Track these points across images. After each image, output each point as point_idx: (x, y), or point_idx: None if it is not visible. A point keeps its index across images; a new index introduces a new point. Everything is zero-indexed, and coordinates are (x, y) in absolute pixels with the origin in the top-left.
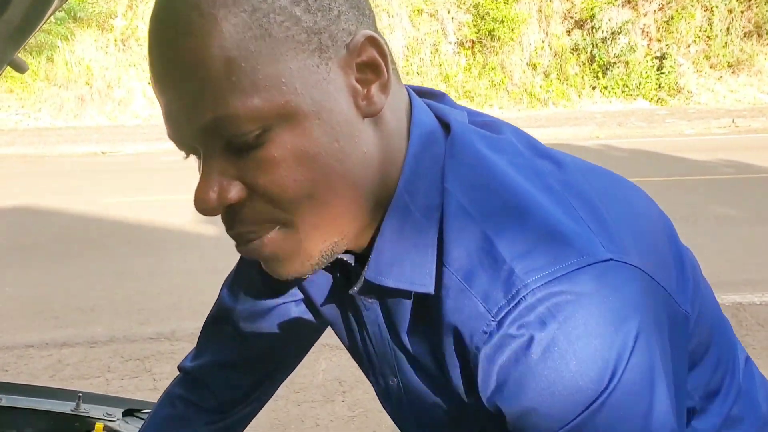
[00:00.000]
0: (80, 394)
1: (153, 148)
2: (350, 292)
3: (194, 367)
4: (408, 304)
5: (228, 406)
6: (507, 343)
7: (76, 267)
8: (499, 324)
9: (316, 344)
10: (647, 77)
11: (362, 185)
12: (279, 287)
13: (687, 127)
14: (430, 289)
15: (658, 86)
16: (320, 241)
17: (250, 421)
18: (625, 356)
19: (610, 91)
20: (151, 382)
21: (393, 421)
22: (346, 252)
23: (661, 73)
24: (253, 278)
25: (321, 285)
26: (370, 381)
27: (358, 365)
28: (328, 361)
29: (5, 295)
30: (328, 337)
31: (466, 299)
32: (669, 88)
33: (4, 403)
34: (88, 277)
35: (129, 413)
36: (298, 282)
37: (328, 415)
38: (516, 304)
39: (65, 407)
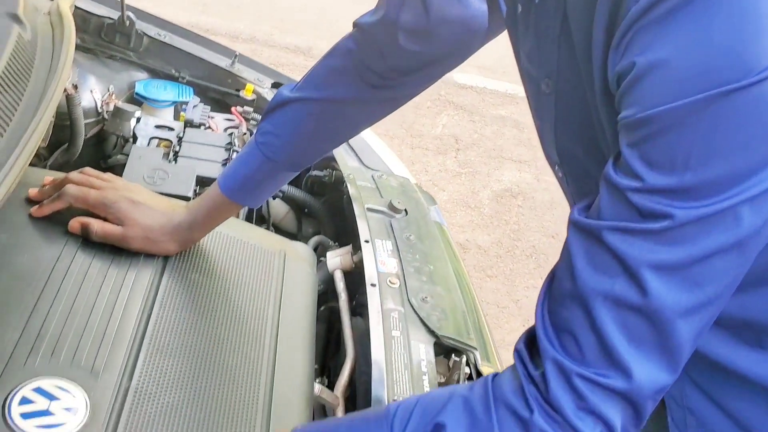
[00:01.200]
0: (237, 54)
1: None
2: None
3: (370, 23)
4: None
5: (392, 74)
6: (658, 4)
7: None
8: None
9: (440, 100)
10: None
11: None
12: None
13: None
14: None
15: None
16: None
17: (405, 102)
18: None
19: None
20: None
21: (538, 136)
22: None
23: None
24: None
25: None
26: (525, 91)
27: (518, 69)
28: (450, 118)
29: None
30: (453, 95)
31: None
32: None
33: (166, 40)
34: None
35: (278, 86)
36: None
37: (437, 165)
38: None
39: (221, 61)
